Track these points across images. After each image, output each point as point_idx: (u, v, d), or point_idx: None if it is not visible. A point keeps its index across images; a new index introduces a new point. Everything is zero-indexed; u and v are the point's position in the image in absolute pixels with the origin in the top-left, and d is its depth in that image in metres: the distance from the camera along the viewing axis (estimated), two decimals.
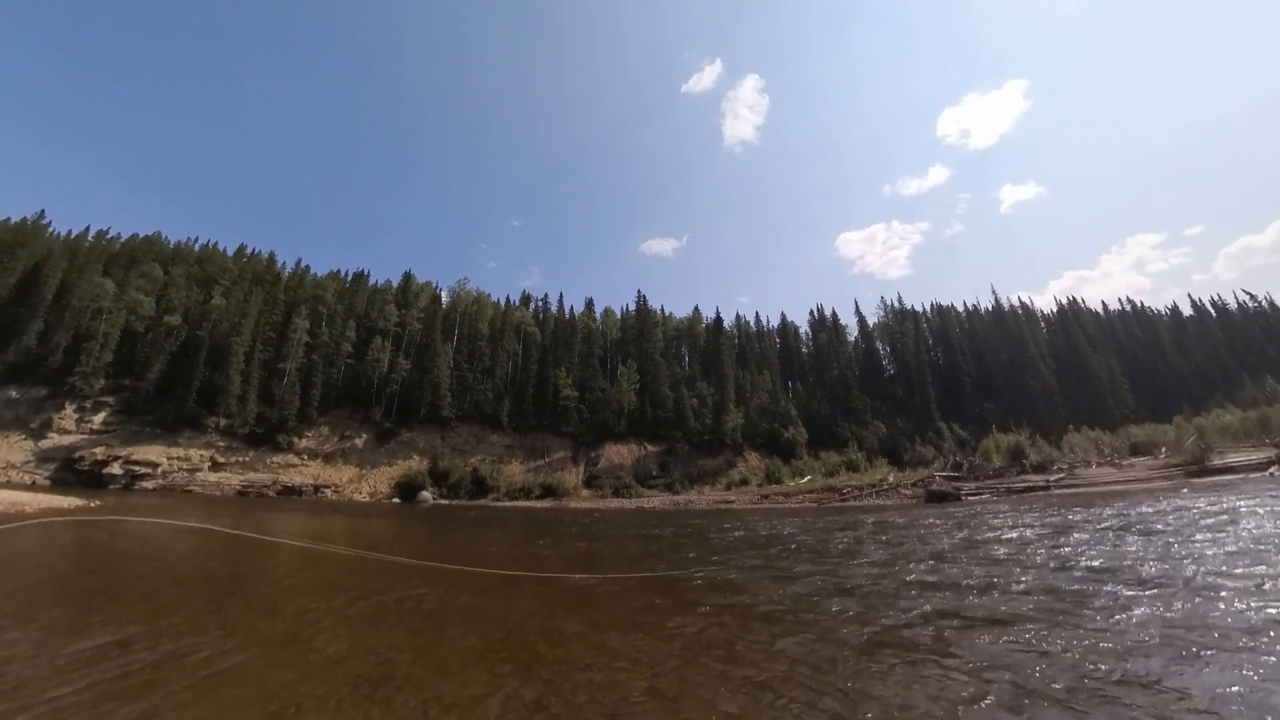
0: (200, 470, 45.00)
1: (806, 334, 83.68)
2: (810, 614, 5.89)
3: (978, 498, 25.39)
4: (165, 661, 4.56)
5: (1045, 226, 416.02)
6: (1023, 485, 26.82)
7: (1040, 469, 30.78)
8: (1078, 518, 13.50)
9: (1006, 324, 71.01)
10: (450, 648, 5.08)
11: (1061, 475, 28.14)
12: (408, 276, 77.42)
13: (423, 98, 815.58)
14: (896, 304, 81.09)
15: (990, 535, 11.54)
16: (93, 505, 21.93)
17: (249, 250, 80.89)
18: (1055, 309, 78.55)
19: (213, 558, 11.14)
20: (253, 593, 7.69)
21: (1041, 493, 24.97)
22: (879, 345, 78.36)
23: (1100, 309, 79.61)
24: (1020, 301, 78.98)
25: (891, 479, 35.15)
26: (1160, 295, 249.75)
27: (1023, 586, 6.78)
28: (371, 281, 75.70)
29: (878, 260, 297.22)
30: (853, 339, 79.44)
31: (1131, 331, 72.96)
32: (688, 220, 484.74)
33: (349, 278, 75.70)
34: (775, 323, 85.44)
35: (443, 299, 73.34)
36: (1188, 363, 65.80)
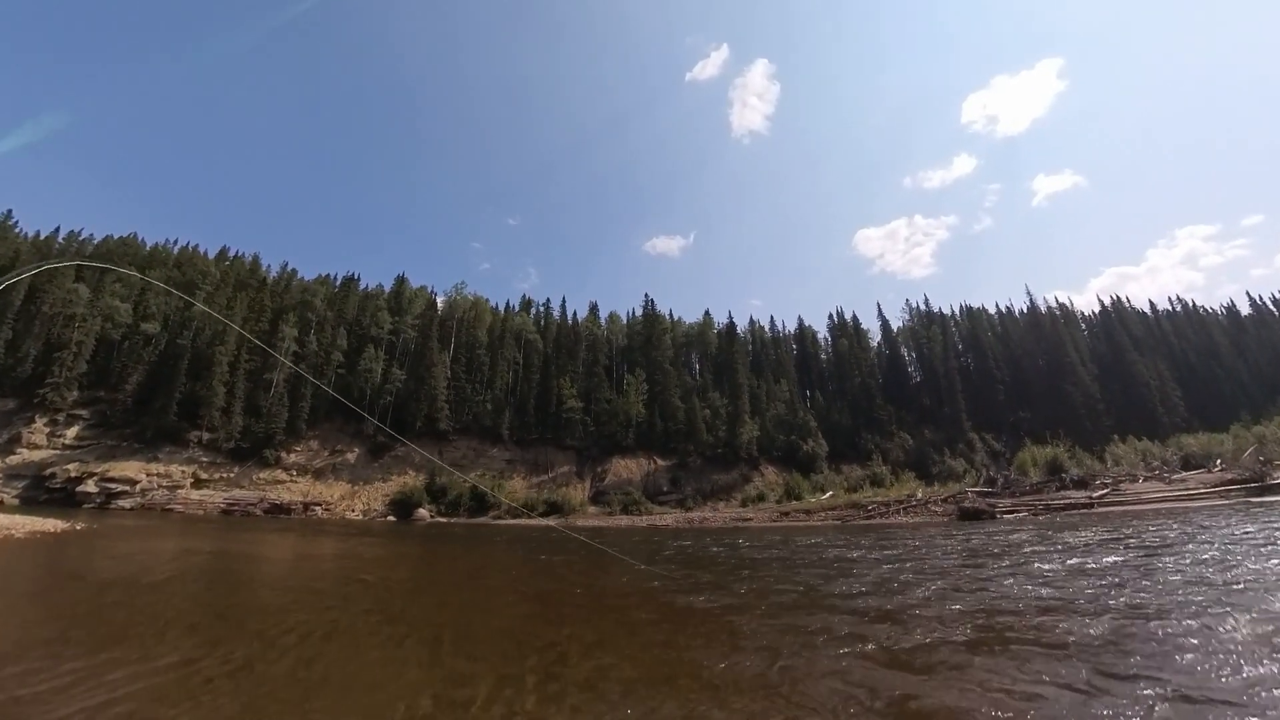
0: (182, 488, 45.47)
1: (825, 339, 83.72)
2: None
3: (1013, 515, 25.41)
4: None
5: (1084, 219, 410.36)
6: (1063, 502, 26.81)
7: (1082, 484, 30.68)
8: (1128, 546, 13.55)
9: (1043, 327, 70.82)
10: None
11: (1105, 491, 28.06)
12: (401, 281, 78.20)
13: (412, 87, 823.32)
14: (922, 306, 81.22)
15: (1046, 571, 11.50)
16: (78, 528, 22.33)
17: (231, 253, 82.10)
18: (1097, 310, 78.42)
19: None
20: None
21: (1084, 510, 24.96)
22: (904, 351, 78.31)
23: (1147, 309, 79.06)
24: (1058, 302, 79.05)
25: (920, 495, 35.04)
26: (1215, 292, 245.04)
27: None
28: (362, 286, 76.55)
29: (899, 259, 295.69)
30: (875, 344, 79.46)
31: (1182, 333, 72.16)
32: (694, 217, 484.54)
33: (338, 282, 76.58)
34: (791, 327, 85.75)
35: (438, 305, 74.14)
36: (1246, 366, 64.99)
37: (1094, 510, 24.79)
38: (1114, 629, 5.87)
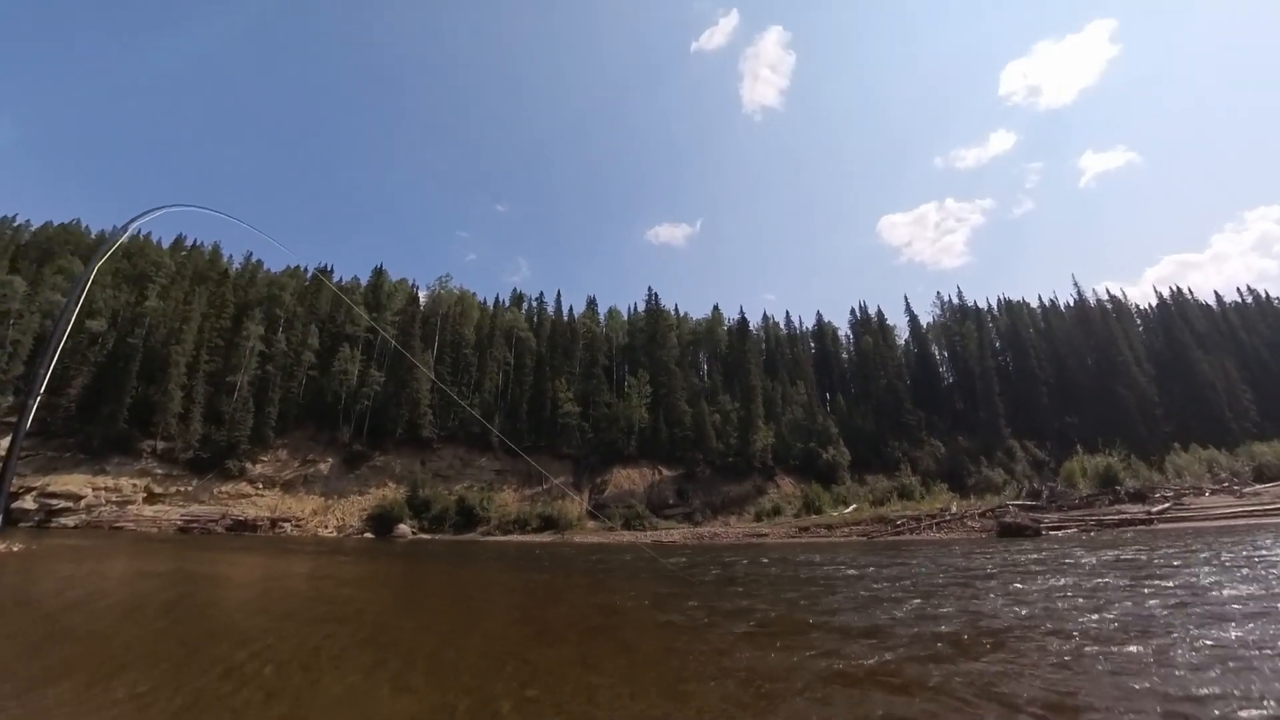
0: (133, 503, 45.41)
1: (847, 337, 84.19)
2: None
3: (1061, 532, 25.33)
4: None
5: (1139, 201, 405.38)
6: (1117, 517, 26.75)
7: (1139, 497, 30.61)
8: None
9: (1092, 322, 70.77)
10: None
11: (1166, 506, 27.94)
12: (379, 273, 78.58)
13: (390, 59, 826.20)
14: (955, 299, 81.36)
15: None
16: (15, 549, 22.12)
17: (188, 242, 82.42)
18: (1154, 302, 78.22)
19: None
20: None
21: (1141, 527, 24.86)
22: (935, 349, 78.53)
23: (1212, 301, 78.39)
24: (1109, 294, 78.78)
25: (954, 508, 35.07)
26: None
27: None
28: (336, 279, 76.88)
29: (929, 247, 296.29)
30: (902, 342, 79.92)
31: (1254, 327, 71.45)
32: (701, 203, 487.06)
33: (309, 274, 76.60)
34: (809, 323, 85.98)
35: (421, 299, 74.61)
36: None
37: (1153, 527, 24.68)
38: (1107, 659, 6.05)
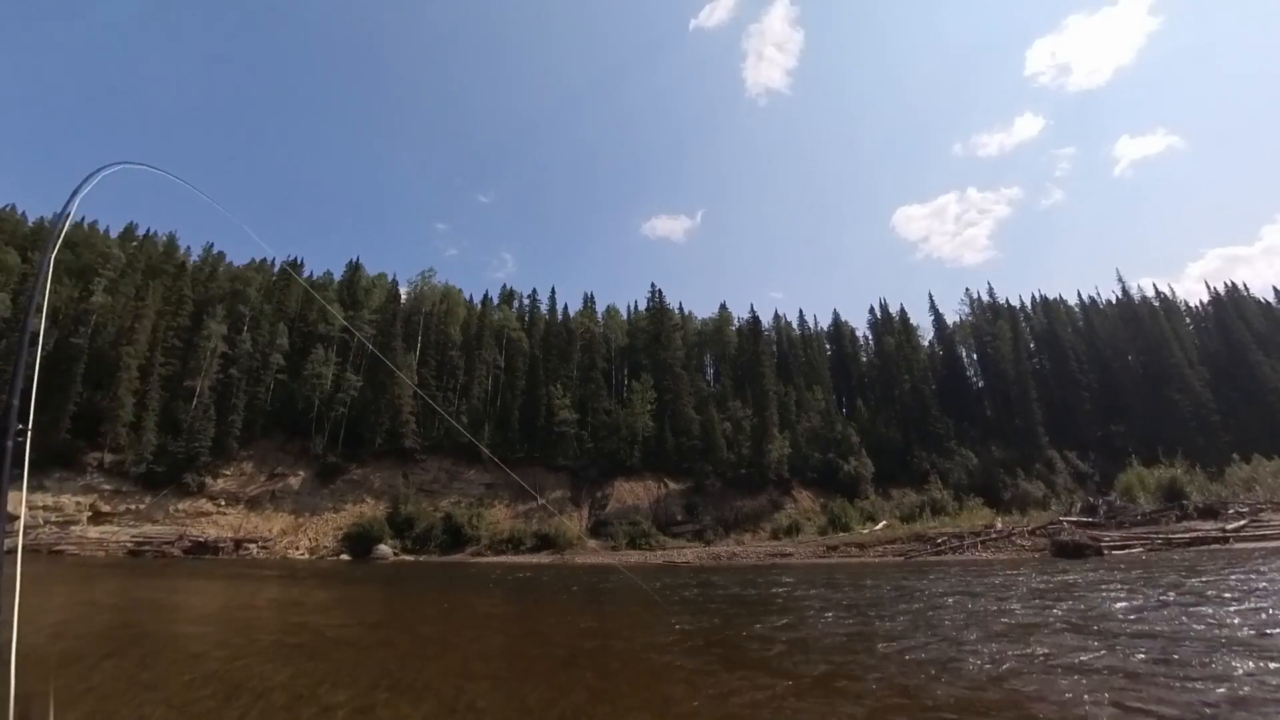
0: (76, 523, 44.76)
1: (866, 337, 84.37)
2: None
3: (1125, 551, 24.81)
4: None
5: (1180, 189, 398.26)
6: (1187, 535, 26.46)
7: (1210, 513, 30.39)
8: None
9: (1140, 321, 70.69)
10: None
11: (1242, 522, 27.46)
12: (355, 267, 78.54)
13: (363, 34, 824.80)
14: (986, 297, 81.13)
15: None
16: None
17: (140, 231, 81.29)
18: (1205, 299, 78.10)
19: None
20: None
21: (1217, 546, 24.45)
22: (963, 351, 78.48)
23: (1270, 296, 77.45)
24: (1156, 291, 78.58)
25: (1000, 525, 34.86)
26: None
27: None
28: (307, 273, 76.48)
29: (948, 241, 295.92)
30: (926, 343, 79.76)
31: None
32: (701, 194, 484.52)
33: (277, 268, 76.05)
34: (824, 323, 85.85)
35: (402, 296, 74.19)
36: None
37: (1230, 545, 24.22)
38: None
